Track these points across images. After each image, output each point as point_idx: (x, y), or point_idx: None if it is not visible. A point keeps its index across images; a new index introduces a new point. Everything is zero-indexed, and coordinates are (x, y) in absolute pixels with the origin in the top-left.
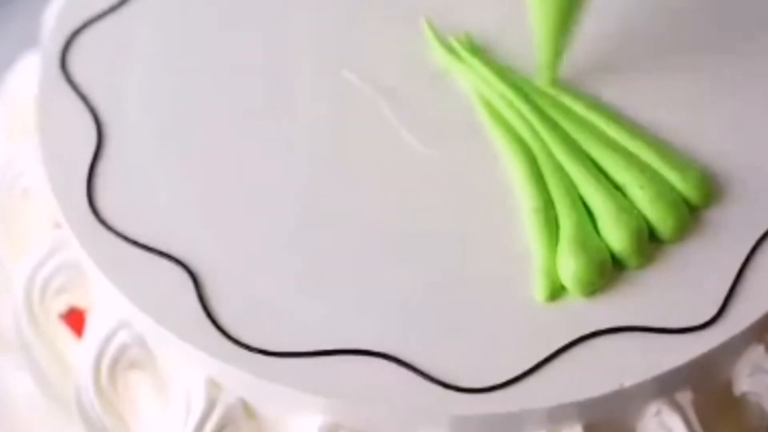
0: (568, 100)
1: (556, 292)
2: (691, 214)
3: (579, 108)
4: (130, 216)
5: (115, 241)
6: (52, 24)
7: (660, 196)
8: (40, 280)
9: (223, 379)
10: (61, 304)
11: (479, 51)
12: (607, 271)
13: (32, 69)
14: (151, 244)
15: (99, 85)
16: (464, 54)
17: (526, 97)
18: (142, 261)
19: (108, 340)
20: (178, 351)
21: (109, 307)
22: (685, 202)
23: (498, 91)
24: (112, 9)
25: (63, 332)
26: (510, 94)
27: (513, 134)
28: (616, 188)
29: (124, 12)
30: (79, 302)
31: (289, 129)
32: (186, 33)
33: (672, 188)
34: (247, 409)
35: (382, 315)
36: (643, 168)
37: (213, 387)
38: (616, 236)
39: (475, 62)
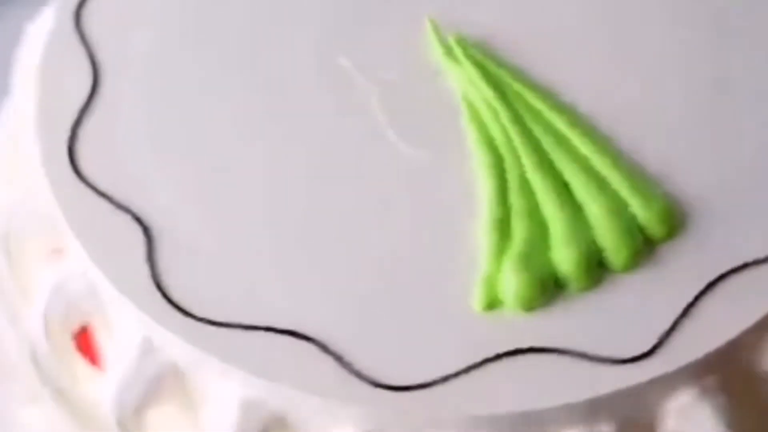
0: (551, 115)
1: (494, 303)
2: (650, 245)
3: (560, 124)
4: (106, 169)
5: (86, 191)
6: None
7: (618, 223)
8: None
9: (157, 339)
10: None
11: (476, 52)
12: (548, 290)
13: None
14: (117, 197)
15: (107, 40)
16: (459, 54)
17: (510, 106)
18: (106, 212)
19: (60, 289)
20: (119, 304)
21: (72, 256)
22: (644, 231)
23: (484, 96)
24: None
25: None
26: (495, 101)
27: (489, 142)
28: (579, 209)
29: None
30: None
31: (279, 114)
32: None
33: (633, 217)
34: (177, 374)
35: (324, 302)
36: (608, 193)
37: (148, 346)
38: (564, 256)
39: (467, 64)
